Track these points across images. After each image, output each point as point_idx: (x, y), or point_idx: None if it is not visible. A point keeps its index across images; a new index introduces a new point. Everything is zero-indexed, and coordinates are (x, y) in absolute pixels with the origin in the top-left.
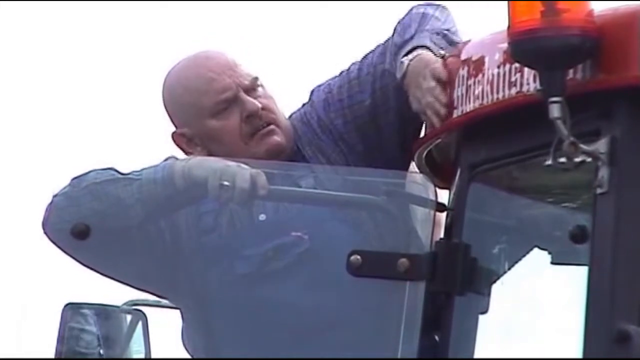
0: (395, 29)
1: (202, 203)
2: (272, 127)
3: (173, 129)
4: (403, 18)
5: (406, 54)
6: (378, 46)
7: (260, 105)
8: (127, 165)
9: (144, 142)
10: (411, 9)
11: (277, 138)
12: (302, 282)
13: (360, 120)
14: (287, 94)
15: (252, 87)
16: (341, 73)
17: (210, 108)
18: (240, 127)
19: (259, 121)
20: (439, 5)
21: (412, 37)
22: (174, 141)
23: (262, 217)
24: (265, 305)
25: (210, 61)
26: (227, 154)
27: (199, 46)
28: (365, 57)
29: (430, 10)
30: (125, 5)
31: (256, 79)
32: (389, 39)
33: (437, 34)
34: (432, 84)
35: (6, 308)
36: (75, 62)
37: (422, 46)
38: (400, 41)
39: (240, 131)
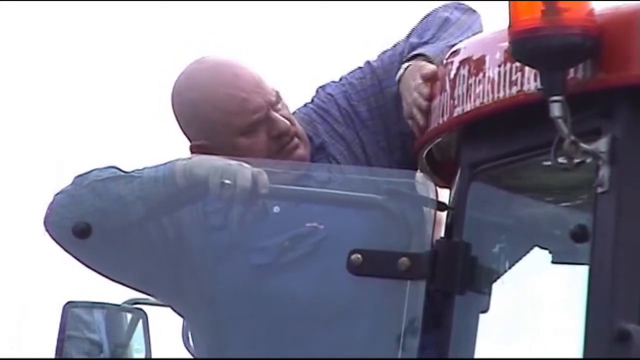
0: (415, 29)
1: (209, 202)
2: (296, 141)
3: (176, 129)
4: (426, 17)
5: (409, 59)
6: (398, 42)
7: (289, 124)
8: (129, 164)
9: (144, 141)
10: (437, 10)
11: (301, 151)
12: (319, 272)
13: (384, 108)
14: (287, 93)
15: (277, 102)
16: (357, 68)
17: (242, 128)
18: (268, 145)
19: (287, 138)
20: (467, 8)
21: (426, 43)
22: (192, 152)
23: (277, 209)
24: (281, 295)
25: (239, 80)
26: None
27: (197, 45)
28: (385, 51)
29: (455, 15)
30: (125, 5)
31: (278, 92)
32: (408, 36)
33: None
34: (419, 81)
35: (6, 308)
36: (76, 62)
37: (425, 56)
38: (416, 43)
39: (269, 148)
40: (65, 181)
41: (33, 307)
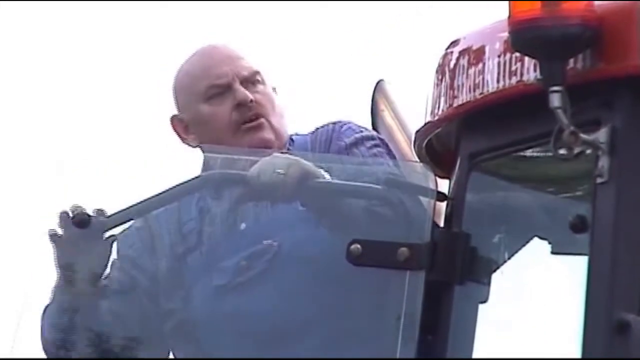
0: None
1: (185, 221)
2: (261, 120)
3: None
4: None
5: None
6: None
7: (251, 97)
8: (128, 164)
9: (144, 141)
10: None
11: (265, 134)
12: (273, 289)
13: None
14: (287, 94)
15: (250, 80)
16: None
17: (204, 92)
18: (229, 115)
19: (248, 112)
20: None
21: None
22: (172, 125)
23: (243, 226)
24: (240, 314)
25: (215, 50)
26: (214, 141)
27: (197, 45)
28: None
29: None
30: (125, 4)
31: (257, 72)
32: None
33: None
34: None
35: (6, 307)
36: (76, 62)
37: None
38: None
39: (229, 118)
40: (65, 181)
41: (32, 300)
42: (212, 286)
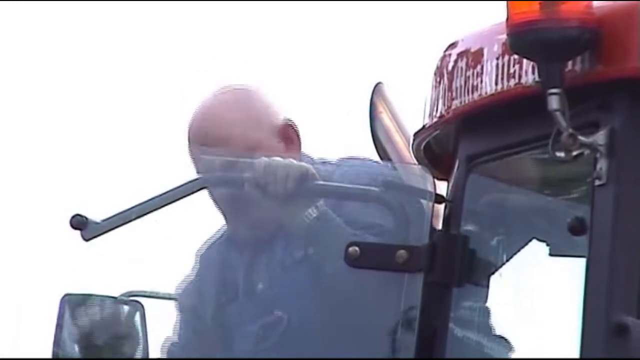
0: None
1: (226, 268)
2: None
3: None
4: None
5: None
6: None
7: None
8: (128, 166)
9: (146, 142)
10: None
11: None
12: None
13: None
14: (286, 95)
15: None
16: None
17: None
18: None
19: None
20: None
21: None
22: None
23: (260, 286)
24: None
25: (252, 102)
26: None
27: (199, 47)
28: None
29: None
30: (126, 5)
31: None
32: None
33: None
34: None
35: (6, 306)
36: (76, 62)
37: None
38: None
39: None
40: (65, 181)
41: (31, 298)
42: (240, 350)
